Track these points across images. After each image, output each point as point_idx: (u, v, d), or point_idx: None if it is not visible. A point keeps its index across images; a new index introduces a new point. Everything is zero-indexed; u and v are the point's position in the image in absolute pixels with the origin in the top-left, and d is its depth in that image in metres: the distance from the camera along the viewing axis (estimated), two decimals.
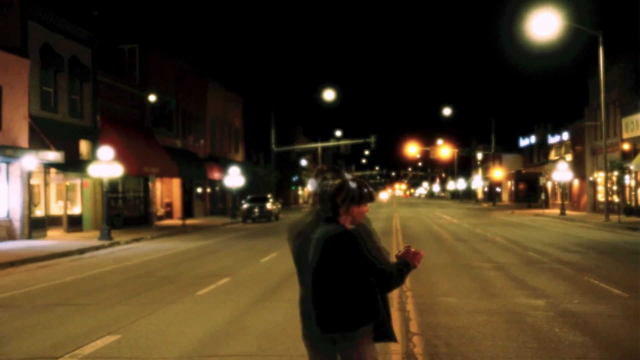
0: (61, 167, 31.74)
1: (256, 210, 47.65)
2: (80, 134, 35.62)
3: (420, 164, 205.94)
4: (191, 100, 54.29)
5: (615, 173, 44.85)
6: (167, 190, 49.72)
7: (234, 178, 52.61)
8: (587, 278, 15.56)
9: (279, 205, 56.78)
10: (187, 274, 17.50)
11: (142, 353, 8.96)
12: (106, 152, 30.16)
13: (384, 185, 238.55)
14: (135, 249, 26.12)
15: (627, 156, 46.55)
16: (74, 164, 33.30)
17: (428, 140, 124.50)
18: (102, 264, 20.85)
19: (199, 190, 56.75)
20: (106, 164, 30.05)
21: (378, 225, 40.56)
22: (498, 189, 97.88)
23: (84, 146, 36.16)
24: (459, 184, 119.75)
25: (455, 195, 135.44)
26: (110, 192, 37.06)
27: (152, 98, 44.80)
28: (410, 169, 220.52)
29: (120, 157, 33.58)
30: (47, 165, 31.48)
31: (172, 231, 36.20)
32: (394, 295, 13.22)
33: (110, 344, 9.51)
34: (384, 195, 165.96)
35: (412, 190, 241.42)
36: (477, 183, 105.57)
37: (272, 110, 69.76)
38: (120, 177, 35.74)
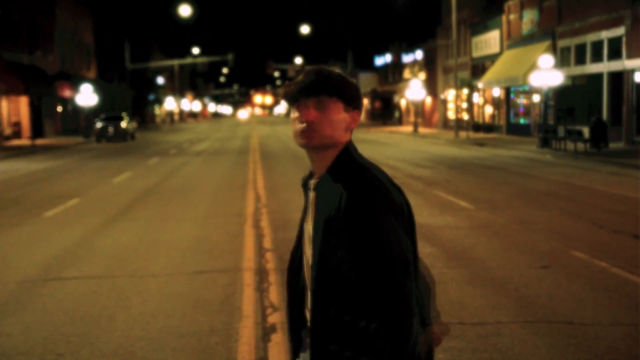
0: None
1: (110, 129, 46.16)
2: None
3: (278, 82, 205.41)
4: (38, 14, 51.22)
5: (465, 91, 46.39)
6: (14, 109, 47.16)
7: (86, 96, 50.56)
8: (436, 192, 16.09)
9: (135, 125, 55.32)
10: (35, 195, 16.75)
11: None
12: None
13: (243, 104, 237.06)
14: None
15: (476, 74, 48.21)
16: None
17: (287, 58, 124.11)
18: None
19: (50, 109, 54.23)
20: None
21: (236, 144, 40.38)
22: None
23: None
24: None
25: None
26: None
27: None
28: (268, 87, 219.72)
29: None
30: None
31: (20, 151, 34.55)
32: (249, 212, 13.22)
33: None
34: (243, 114, 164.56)
35: (267, 111, 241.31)
36: None
37: (125, 26, 67.15)
38: None
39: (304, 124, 2.38)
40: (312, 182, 2.44)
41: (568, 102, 31.73)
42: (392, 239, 2.23)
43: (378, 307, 2.21)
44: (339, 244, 2.26)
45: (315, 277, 2.33)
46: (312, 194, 2.43)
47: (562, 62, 35.34)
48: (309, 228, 2.42)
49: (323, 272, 2.30)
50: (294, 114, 2.43)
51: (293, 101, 2.42)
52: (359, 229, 2.23)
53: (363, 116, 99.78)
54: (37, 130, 49.00)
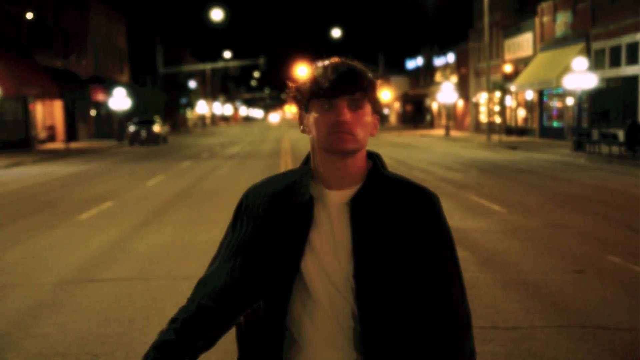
0: None
1: (143, 133, 46.55)
2: None
3: None
4: (72, 19, 51.90)
5: (497, 94, 46.06)
6: (48, 113, 47.81)
7: (119, 100, 51.09)
8: (468, 195, 16.01)
9: (168, 128, 55.74)
10: (69, 198, 16.96)
11: (17, 280, 8.61)
12: None
13: (274, 108, 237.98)
14: (14, 174, 25.09)
15: (509, 77, 47.85)
16: None
17: (318, 61, 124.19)
18: None
19: (83, 112, 54.89)
20: None
21: (267, 148, 40.52)
22: (386, 111, 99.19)
23: None
24: None
25: None
26: None
27: (29, 15, 42.52)
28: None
29: None
30: None
31: (55, 155, 35.00)
32: None
33: None
34: (274, 118, 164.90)
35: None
36: None
37: (158, 30, 67.75)
38: None
39: (340, 125, 2.06)
40: (339, 194, 2.13)
41: (602, 104, 31.39)
42: (454, 248, 2.16)
43: (437, 323, 2.08)
44: (394, 255, 2.08)
45: (361, 295, 2.07)
46: (338, 206, 2.12)
47: (596, 64, 34.96)
48: (319, 243, 2.10)
49: (371, 290, 2.07)
50: (323, 114, 2.09)
51: (324, 97, 2.08)
52: (424, 236, 2.10)
53: (394, 119, 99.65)
54: (71, 133, 49.62)
